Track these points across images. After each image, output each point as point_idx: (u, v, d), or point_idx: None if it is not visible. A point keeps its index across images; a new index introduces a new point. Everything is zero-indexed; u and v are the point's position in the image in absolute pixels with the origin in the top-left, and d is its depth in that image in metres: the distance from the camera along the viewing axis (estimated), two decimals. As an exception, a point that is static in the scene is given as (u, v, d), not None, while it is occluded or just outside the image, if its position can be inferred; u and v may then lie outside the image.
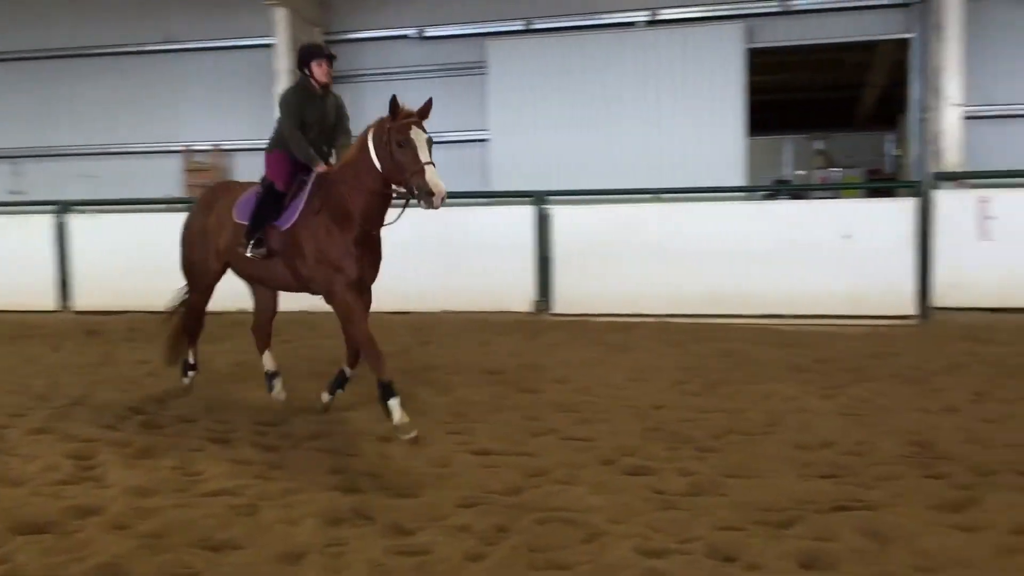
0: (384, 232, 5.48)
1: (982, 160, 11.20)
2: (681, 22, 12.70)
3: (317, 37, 12.90)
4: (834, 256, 9.54)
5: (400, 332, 8.82)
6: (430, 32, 13.65)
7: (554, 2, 13.12)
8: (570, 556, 3.51)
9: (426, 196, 4.88)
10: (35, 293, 11.38)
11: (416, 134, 5.00)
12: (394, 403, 5.02)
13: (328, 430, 5.52)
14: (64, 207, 11.64)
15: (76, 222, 11.52)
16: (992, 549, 3.44)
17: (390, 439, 5.14)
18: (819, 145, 20.13)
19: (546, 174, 12.18)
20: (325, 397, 5.96)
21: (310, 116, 5.76)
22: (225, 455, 5.02)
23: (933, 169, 10.81)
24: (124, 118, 14.78)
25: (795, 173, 19.86)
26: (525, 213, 10.38)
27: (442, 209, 5.02)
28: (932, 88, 11.31)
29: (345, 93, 15.10)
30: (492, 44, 13.24)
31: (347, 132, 5.99)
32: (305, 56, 5.80)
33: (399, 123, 5.03)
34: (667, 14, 12.71)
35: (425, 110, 5.14)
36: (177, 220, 6.60)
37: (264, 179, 5.88)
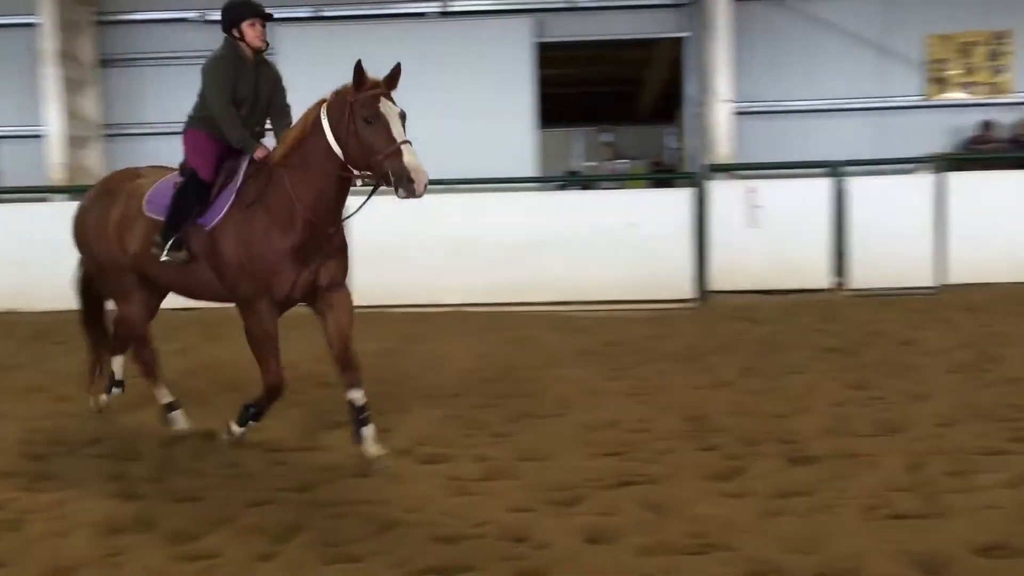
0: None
1: (751, 153, 12.09)
2: (472, 14, 12.84)
3: (87, 17, 12.05)
4: (620, 244, 10.02)
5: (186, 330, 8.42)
6: (213, 16, 13.05)
7: (345, -11, 12.92)
8: (364, 548, 3.48)
9: (405, 183, 4.11)
10: None
11: (386, 107, 4.25)
12: (239, 432, 4.83)
13: (106, 434, 5.18)
14: None
15: None
16: (756, 513, 3.72)
17: (176, 441, 4.91)
18: (607, 138, 20.99)
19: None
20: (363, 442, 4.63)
21: (242, 90, 4.81)
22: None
23: (707, 161, 11.54)
24: None
25: (585, 164, 20.60)
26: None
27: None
28: (704, 85, 12.07)
29: (120, 79, 14.02)
30: (281, 31, 12.86)
31: (285, 109, 5.04)
32: (233, 15, 4.85)
33: (365, 95, 4.24)
34: (458, 6, 12.80)
35: (393, 78, 4.38)
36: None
37: (184, 166, 4.93)
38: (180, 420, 5.25)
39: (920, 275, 10.06)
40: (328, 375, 6.51)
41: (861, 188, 10.18)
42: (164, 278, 5.02)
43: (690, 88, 13.19)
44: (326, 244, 4.60)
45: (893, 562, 3.16)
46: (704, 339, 7.85)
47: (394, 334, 8.30)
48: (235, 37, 4.86)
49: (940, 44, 12.86)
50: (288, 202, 4.49)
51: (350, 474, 4.42)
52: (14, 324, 9.17)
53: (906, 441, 4.65)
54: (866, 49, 12.82)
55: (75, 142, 12.30)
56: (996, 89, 12.93)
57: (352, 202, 4.71)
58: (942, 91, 13.01)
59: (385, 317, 9.26)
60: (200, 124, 4.90)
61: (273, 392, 4.72)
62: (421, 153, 4.25)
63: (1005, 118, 12.49)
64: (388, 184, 4.25)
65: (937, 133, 12.60)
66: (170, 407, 5.27)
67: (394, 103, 4.33)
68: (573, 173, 19.20)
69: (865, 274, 10.12)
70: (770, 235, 10.06)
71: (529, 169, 12.59)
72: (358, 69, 4.27)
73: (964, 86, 12.98)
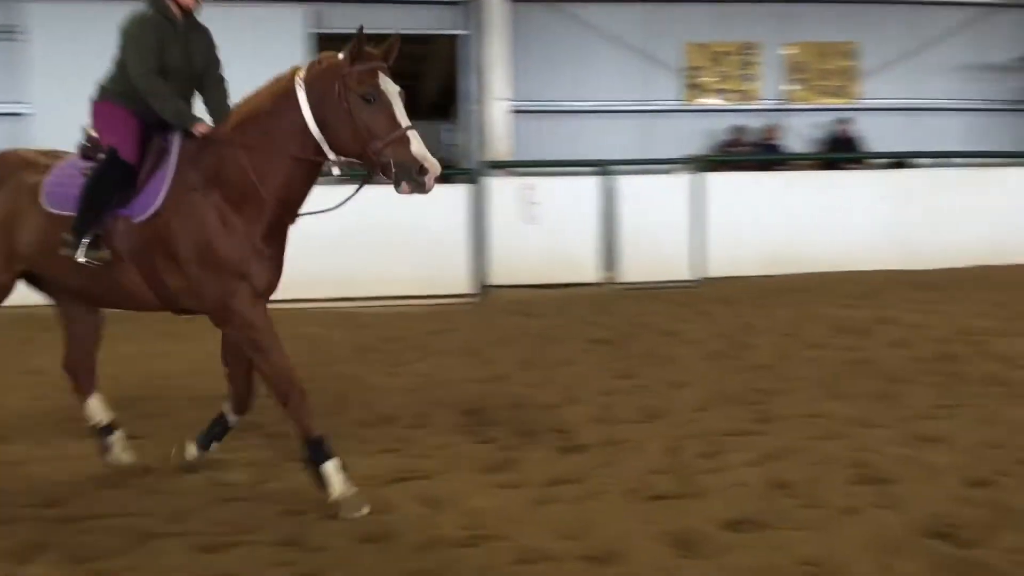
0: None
1: (527, 151, 12.44)
2: (245, 0, 12.35)
3: None
4: (401, 240, 9.96)
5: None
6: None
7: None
8: (120, 563, 3.25)
9: (414, 175, 3.54)
10: None
11: (387, 85, 3.67)
12: (331, 467, 3.76)
13: None
14: None
15: None
16: (528, 502, 3.82)
17: None
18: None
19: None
20: (192, 451, 4.32)
21: (171, 58, 4.01)
22: None
23: (484, 158, 11.74)
24: None
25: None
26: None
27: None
28: (481, 83, 12.28)
29: None
30: (31, 8, 11.85)
31: (221, 82, 4.30)
32: None
33: (363, 68, 3.63)
34: (234, -9, 12.29)
35: (390, 52, 3.76)
36: None
37: (88, 148, 4.07)
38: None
39: (682, 269, 10.74)
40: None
41: (628, 186, 10.72)
42: (71, 284, 4.10)
43: (467, 86, 13.36)
44: (282, 237, 4.01)
45: (654, 543, 3.33)
46: (482, 333, 7.97)
47: (161, 336, 7.81)
48: None
49: (697, 52, 13.83)
50: (248, 185, 3.79)
51: (107, 485, 4.12)
52: None
53: (666, 426, 4.93)
54: (632, 55, 13.54)
55: None
56: (746, 96, 14.07)
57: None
58: (699, 96, 13.98)
59: (153, 319, 8.70)
60: (116, 96, 4.07)
61: (294, 400, 3.83)
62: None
63: (754, 123, 13.59)
64: (385, 175, 3.61)
65: (695, 136, 13.52)
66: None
67: (392, 81, 3.72)
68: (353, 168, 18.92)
69: (632, 268, 10.66)
70: (545, 231, 10.37)
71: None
72: (360, 37, 3.62)
73: (718, 92, 14.03)
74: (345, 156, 3.81)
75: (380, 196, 4.25)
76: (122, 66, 4.05)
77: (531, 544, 3.33)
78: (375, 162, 3.64)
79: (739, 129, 13.46)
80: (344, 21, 12.79)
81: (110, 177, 3.93)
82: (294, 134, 3.77)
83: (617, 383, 6.02)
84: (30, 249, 4.07)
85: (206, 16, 4.37)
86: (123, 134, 4.00)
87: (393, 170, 3.58)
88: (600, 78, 13.46)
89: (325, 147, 3.78)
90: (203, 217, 3.81)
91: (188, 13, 4.15)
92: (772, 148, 13.25)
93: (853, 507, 3.62)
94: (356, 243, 9.84)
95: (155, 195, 3.87)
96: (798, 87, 14.44)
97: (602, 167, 10.87)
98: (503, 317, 8.85)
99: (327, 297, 9.68)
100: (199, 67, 4.19)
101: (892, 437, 4.58)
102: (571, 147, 12.79)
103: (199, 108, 4.20)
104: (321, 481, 3.75)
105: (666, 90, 13.79)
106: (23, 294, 4.36)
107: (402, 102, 3.71)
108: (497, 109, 12.03)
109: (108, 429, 4.43)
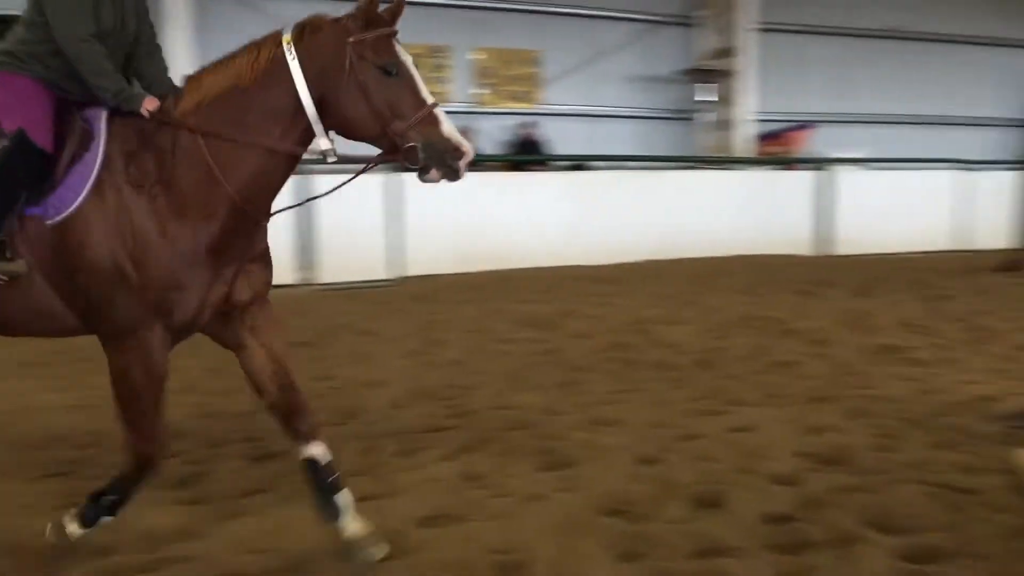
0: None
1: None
2: None
3: None
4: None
5: None
6: None
7: None
8: None
9: (447, 160, 3.02)
10: None
11: (404, 54, 3.07)
12: (78, 533, 3.20)
13: None
14: None
15: None
16: (214, 515, 3.63)
17: None
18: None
19: None
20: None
21: (104, 19, 3.13)
22: None
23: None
24: None
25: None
26: None
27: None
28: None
29: None
30: None
31: (156, 50, 3.44)
32: None
33: (376, 33, 3.00)
34: None
35: (396, 14, 3.10)
36: None
37: None
38: None
39: (379, 269, 10.76)
40: None
41: (326, 187, 10.48)
42: None
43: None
44: (251, 241, 3.22)
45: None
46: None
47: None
48: None
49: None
50: (206, 180, 3.02)
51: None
52: None
53: (362, 426, 4.91)
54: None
55: None
56: (437, 98, 14.38)
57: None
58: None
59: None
60: (23, 64, 3.15)
61: (146, 465, 3.22)
62: None
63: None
64: (408, 161, 3.02)
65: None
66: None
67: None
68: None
69: (330, 269, 10.53)
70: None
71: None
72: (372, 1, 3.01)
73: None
74: (353, 139, 3.16)
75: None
76: (34, 27, 3.15)
77: (217, 559, 3.16)
78: (396, 146, 3.04)
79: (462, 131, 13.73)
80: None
81: (18, 167, 3.01)
82: (278, 115, 3.06)
83: (314, 385, 5.84)
84: None
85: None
86: (33, 112, 3.10)
87: (421, 155, 3.02)
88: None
89: (318, 129, 3.09)
90: (134, 222, 2.99)
91: None
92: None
93: (538, 494, 3.81)
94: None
95: (75, 190, 3.01)
96: (487, 91, 15.04)
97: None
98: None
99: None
100: (132, 32, 3.32)
101: (574, 423, 4.89)
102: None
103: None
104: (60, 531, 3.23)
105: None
106: None
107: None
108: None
109: None
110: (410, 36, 3.23)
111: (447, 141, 3.02)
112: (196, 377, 6.12)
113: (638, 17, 15.77)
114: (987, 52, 17.60)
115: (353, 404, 5.34)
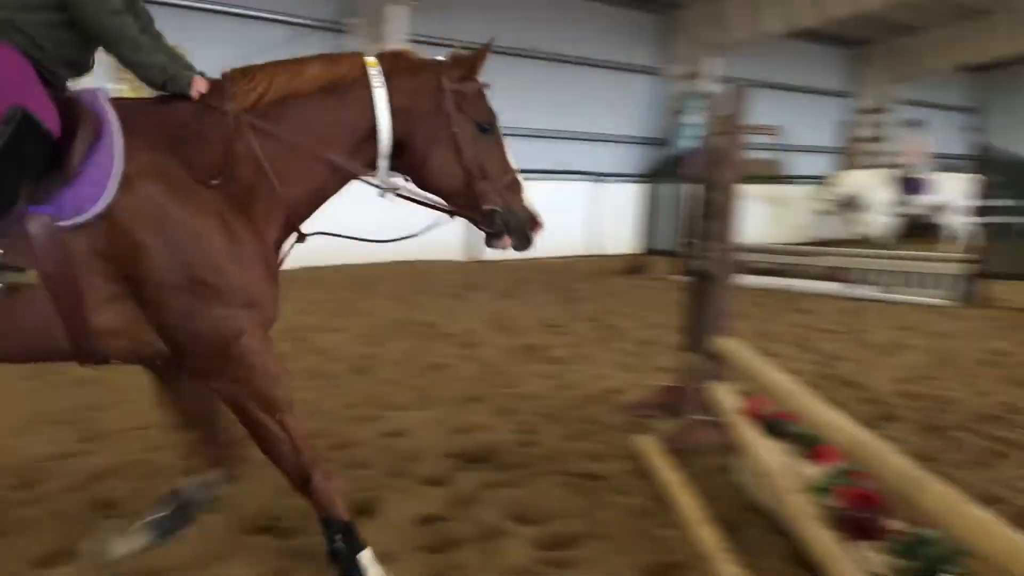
0: None
1: None
2: None
3: None
4: None
5: None
6: None
7: None
8: None
9: (524, 232, 3.00)
10: None
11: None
12: (367, 558, 2.90)
13: None
14: None
15: None
16: None
17: None
18: None
19: None
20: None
21: None
22: None
23: None
24: None
25: None
26: None
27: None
28: None
29: None
30: None
31: (152, 23, 3.09)
32: None
33: (476, 86, 2.96)
34: None
35: (479, 65, 2.99)
36: None
37: None
38: None
39: None
40: None
41: None
42: None
43: None
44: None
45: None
46: None
47: None
48: None
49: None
50: (262, 180, 2.75)
51: None
52: None
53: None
54: None
55: None
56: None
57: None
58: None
59: None
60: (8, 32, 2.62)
61: (312, 470, 2.87)
62: None
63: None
64: (483, 224, 2.99)
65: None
66: None
67: None
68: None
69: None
70: None
71: None
72: (487, 48, 2.97)
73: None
74: (423, 186, 3.01)
75: None
76: None
77: None
78: (478, 205, 2.96)
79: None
80: None
81: (22, 154, 2.46)
82: (348, 136, 2.87)
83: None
84: None
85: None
86: (32, 88, 2.58)
87: (499, 220, 2.97)
88: None
89: (383, 164, 2.92)
90: (197, 223, 2.63)
91: None
92: None
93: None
94: None
95: (98, 185, 2.54)
96: (125, 86, 13.91)
97: None
98: None
99: None
100: (142, 11, 3.05)
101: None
102: None
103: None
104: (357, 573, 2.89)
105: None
106: None
107: None
108: None
109: None
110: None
111: (527, 212, 3.01)
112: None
113: (291, 20, 15.49)
114: (613, 75, 19.45)
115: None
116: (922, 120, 16.85)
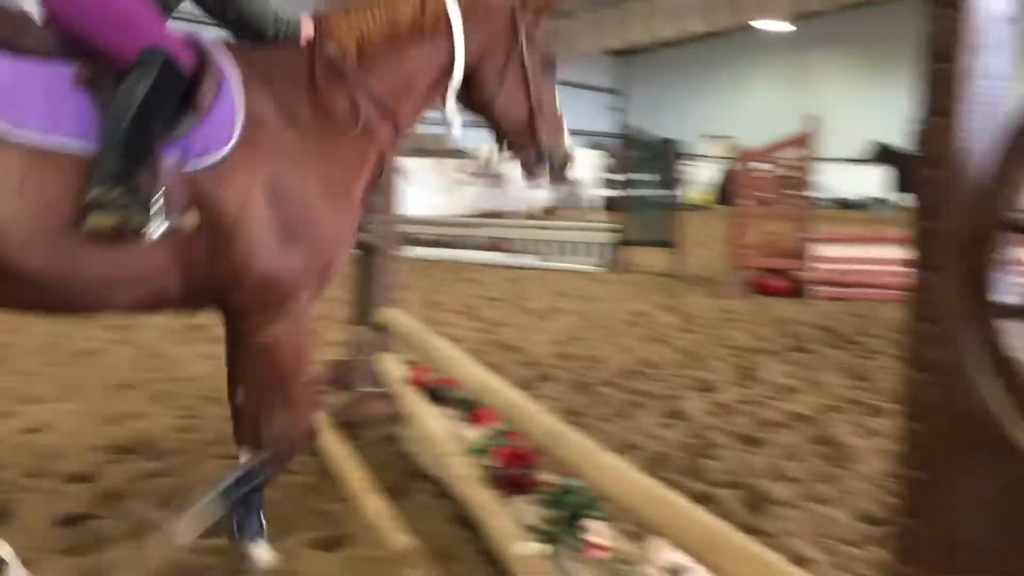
0: None
1: None
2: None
3: None
4: None
5: None
6: None
7: None
8: None
9: (564, 169, 3.03)
10: None
11: None
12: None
13: None
14: None
15: None
16: None
17: None
18: None
19: None
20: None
21: None
22: None
23: None
24: None
25: None
26: None
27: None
28: None
29: None
30: None
31: None
32: None
33: (547, 25, 2.94)
34: None
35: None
36: None
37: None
38: None
39: None
40: None
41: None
42: (46, 273, 2.27)
43: None
44: None
45: None
46: None
47: None
48: None
49: None
50: (366, 134, 2.67)
51: None
52: None
53: None
54: None
55: None
56: None
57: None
58: None
59: None
60: None
61: (303, 441, 2.81)
62: None
63: None
64: (535, 162, 2.98)
65: None
66: None
67: None
68: None
69: None
70: None
71: None
72: None
73: None
74: (488, 120, 2.96)
75: None
76: None
77: None
78: (534, 146, 2.97)
79: None
80: None
81: (167, 94, 2.33)
82: (429, 74, 2.82)
83: None
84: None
85: None
86: (159, 29, 2.42)
87: (539, 158, 2.99)
88: None
89: (451, 100, 2.88)
90: (316, 169, 2.55)
91: None
92: None
93: None
94: None
95: (226, 128, 2.42)
96: None
97: None
98: None
99: None
100: None
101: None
102: None
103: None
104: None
105: None
106: None
107: None
108: None
109: None
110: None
111: (568, 152, 3.06)
112: None
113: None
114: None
115: None
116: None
